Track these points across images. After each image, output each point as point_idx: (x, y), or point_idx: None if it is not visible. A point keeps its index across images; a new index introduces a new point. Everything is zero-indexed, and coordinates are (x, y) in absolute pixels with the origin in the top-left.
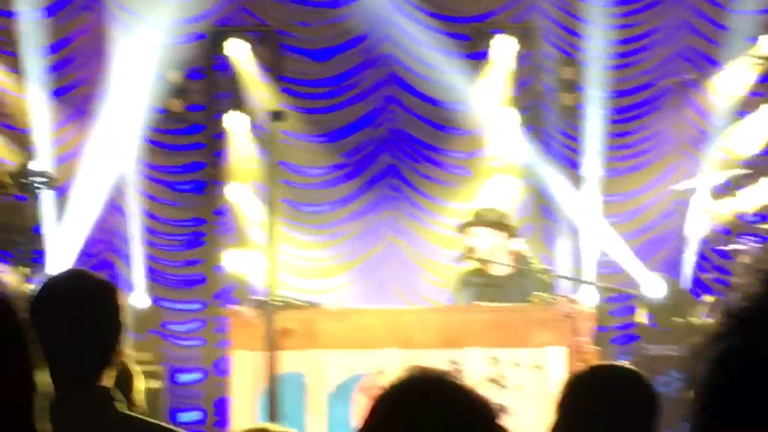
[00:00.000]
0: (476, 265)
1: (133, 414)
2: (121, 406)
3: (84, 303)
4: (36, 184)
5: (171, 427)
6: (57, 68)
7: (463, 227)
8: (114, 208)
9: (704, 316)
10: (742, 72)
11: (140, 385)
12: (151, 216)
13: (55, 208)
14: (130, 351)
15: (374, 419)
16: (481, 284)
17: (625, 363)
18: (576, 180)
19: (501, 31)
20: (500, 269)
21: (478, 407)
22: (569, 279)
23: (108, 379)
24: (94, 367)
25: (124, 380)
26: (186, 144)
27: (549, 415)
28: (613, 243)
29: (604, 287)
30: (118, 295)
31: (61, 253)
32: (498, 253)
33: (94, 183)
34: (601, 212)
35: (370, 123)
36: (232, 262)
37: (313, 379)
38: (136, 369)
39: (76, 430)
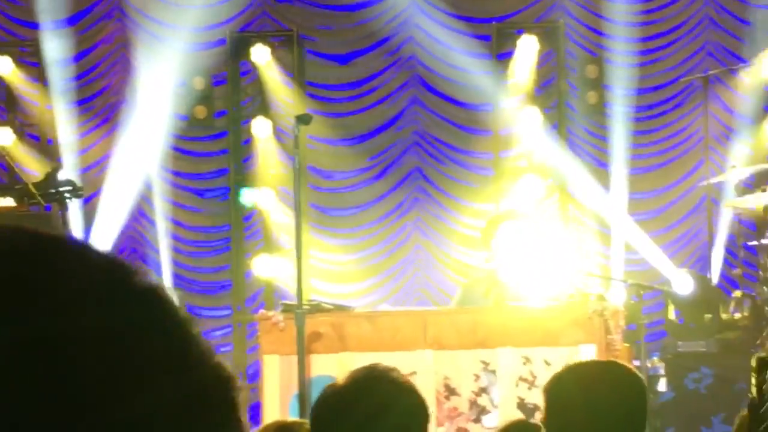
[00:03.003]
0: (501, 265)
1: None
2: None
3: None
4: (63, 194)
5: None
6: (80, 77)
7: (485, 228)
8: (140, 215)
9: (733, 311)
10: (766, 66)
11: None
12: (177, 223)
13: (82, 218)
14: None
15: (313, 417)
16: (504, 286)
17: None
18: (603, 178)
19: (523, 30)
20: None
21: (409, 406)
22: (598, 277)
23: None
24: None
25: None
26: (211, 151)
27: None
28: (640, 240)
29: (633, 284)
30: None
31: None
32: (521, 253)
33: (120, 191)
34: (628, 209)
35: (394, 125)
36: (261, 267)
37: None
38: None
39: None
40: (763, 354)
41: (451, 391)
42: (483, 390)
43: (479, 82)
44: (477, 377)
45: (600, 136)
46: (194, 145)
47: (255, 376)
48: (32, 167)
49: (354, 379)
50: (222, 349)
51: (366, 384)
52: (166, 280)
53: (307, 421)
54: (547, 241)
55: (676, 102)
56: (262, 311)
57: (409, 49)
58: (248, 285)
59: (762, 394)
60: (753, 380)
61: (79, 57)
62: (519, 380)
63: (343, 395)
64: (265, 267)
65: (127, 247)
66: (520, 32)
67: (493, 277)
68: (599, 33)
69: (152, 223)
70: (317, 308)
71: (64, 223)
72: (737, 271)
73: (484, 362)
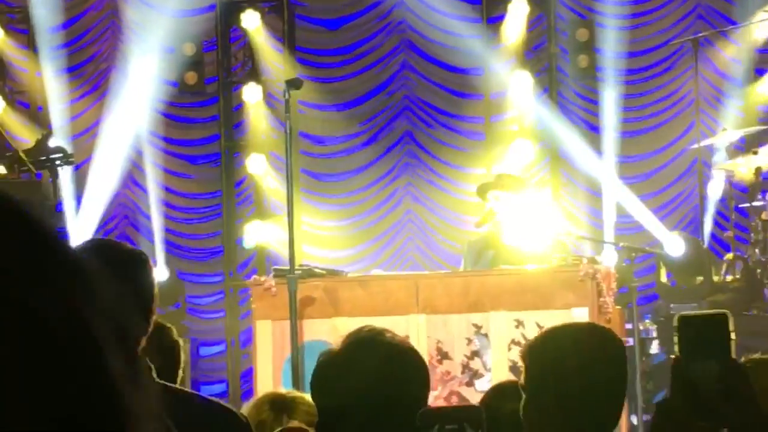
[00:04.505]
0: (494, 229)
1: (170, 385)
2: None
3: (119, 270)
4: (54, 161)
5: (209, 398)
6: (70, 44)
7: (482, 191)
8: (131, 182)
9: (724, 274)
10: (757, 28)
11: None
12: (168, 190)
13: (73, 185)
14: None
15: (313, 386)
16: (500, 248)
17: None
18: (594, 141)
19: None
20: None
21: (406, 362)
22: (590, 240)
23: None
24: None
25: (175, 353)
26: (202, 117)
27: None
28: (632, 203)
29: (625, 247)
30: (149, 262)
31: (80, 228)
32: (517, 217)
33: (110, 158)
34: (620, 173)
35: (385, 90)
36: (253, 233)
37: None
38: (181, 342)
39: None
40: (685, 313)
41: (443, 355)
42: (475, 353)
43: (470, 46)
44: (469, 341)
45: (591, 99)
46: (184, 111)
47: (248, 341)
48: (23, 135)
49: (350, 344)
50: (214, 315)
51: (365, 347)
52: (159, 247)
53: (301, 394)
54: (537, 205)
55: (667, 65)
56: (254, 277)
57: (400, 13)
58: (240, 251)
59: (683, 352)
60: (675, 339)
61: (68, 23)
62: (511, 343)
63: (343, 361)
64: (256, 233)
65: (119, 214)
66: None
67: (493, 239)
68: None
69: (143, 189)
70: (309, 273)
71: (55, 190)
72: (729, 234)
73: (476, 326)
